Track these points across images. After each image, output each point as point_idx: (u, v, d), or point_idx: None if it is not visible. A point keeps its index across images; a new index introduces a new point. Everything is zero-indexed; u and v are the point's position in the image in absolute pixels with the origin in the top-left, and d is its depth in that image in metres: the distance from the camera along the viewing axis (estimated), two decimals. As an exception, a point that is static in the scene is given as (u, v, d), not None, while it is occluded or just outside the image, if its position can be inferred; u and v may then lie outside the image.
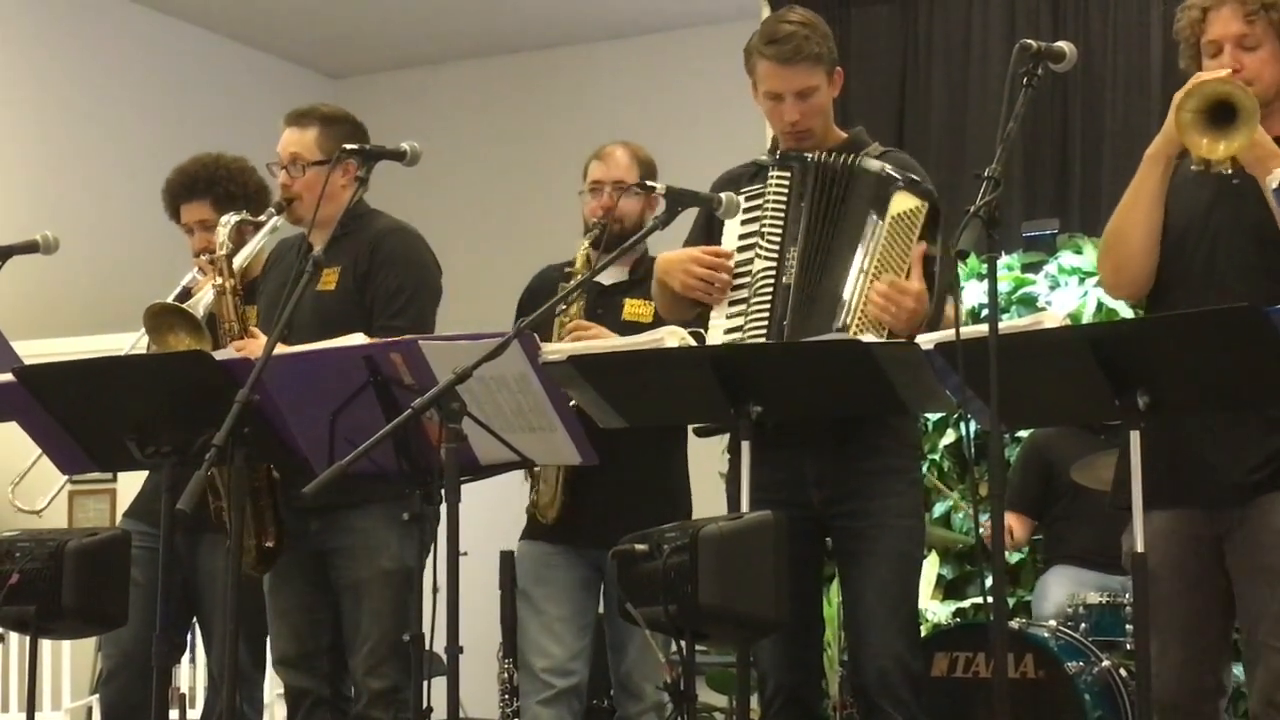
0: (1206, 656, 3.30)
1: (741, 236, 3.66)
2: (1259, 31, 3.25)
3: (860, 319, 3.49)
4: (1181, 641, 3.29)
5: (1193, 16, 3.32)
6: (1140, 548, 3.01)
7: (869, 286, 3.49)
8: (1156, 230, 3.31)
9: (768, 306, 3.58)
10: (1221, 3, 3.27)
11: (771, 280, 3.59)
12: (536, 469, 4.05)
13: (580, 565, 4.07)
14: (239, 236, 4.03)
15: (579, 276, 4.10)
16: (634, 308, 4.14)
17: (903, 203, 3.54)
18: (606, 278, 4.18)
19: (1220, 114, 3.15)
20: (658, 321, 4.01)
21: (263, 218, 4.03)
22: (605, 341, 3.80)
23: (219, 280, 3.93)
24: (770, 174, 3.66)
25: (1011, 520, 5.57)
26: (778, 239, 3.61)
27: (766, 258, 3.61)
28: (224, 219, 4.00)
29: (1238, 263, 3.26)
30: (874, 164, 3.60)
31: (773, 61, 3.62)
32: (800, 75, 3.62)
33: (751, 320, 3.58)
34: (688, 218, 3.77)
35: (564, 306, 4.00)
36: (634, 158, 4.25)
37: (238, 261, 3.98)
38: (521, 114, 8.85)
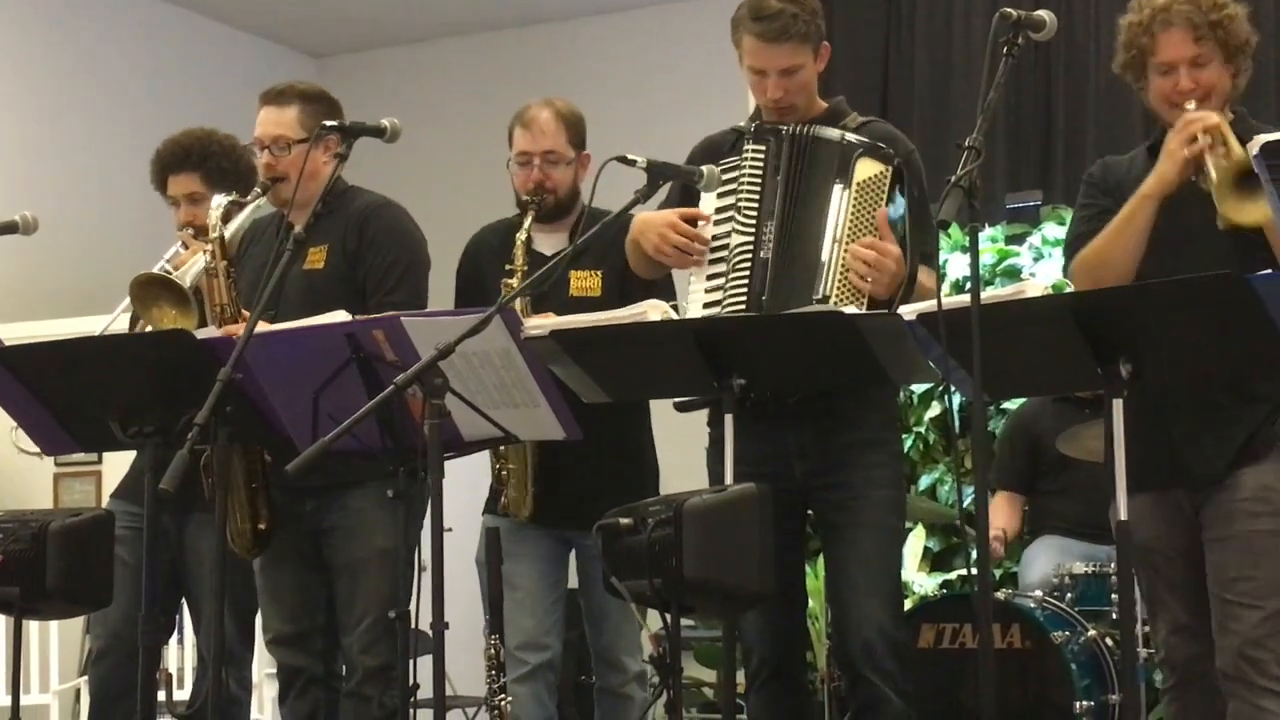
0: (1209, 617, 3.35)
1: (718, 210, 3.66)
2: (1208, 49, 3.34)
3: (840, 287, 3.49)
4: (1184, 604, 3.39)
5: (1141, 42, 3.38)
6: (1123, 515, 3.03)
7: (844, 254, 3.50)
8: (1138, 262, 3.35)
9: (745, 281, 3.57)
10: (1168, 25, 3.34)
11: (749, 255, 3.59)
12: (504, 472, 4.02)
13: (548, 539, 4.04)
14: (230, 218, 4.02)
15: (534, 262, 4.02)
16: (580, 281, 4.03)
17: (866, 169, 3.55)
18: (547, 248, 4.04)
19: (1246, 180, 3.20)
20: (606, 294, 3.96)
21: (249, 198, 4.02)
22: (589, 316, 3.79)
23: (210, 262, 3.92)
24: (745, 147, 3.65)
25: (1000, 505, 5.58)
26: (754, 213, 3.61)
27: (743, 232, 3.61)
28: (215, 200, 3.99)
29: (1208, 259, 3.29)
30: (833, 133, 3.60)
31: (757, 39, 3.62)
32: (784, 54, 3.61)
33: (730, 294, 3.58)
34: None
35: (507, 265, 3.94)
36: (560, 120, 4.07)
37: (226, 235, 3.97)
38: (505, 91, 8.74)
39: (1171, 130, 3.32)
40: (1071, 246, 3.49)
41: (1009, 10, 3.13)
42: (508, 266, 4.00)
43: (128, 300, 4.07)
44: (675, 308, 3.63)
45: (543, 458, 3.89)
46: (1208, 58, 3.34)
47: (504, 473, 4.01)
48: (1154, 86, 3.41)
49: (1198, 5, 3.33)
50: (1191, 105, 3.32)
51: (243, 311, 3.87)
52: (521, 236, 3.99)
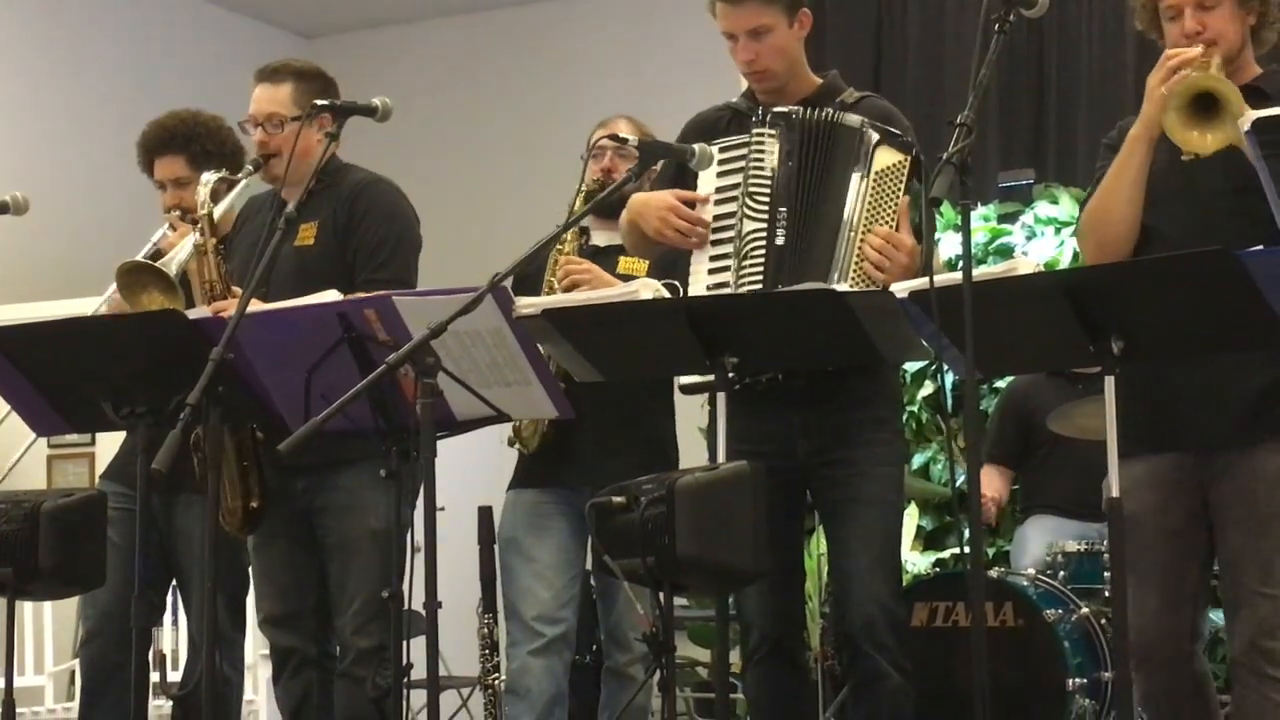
0: (1182, 603, 3.32)
1: (720, 190, 3.64)
2: None
3: (855, 276, 3.48)
4: (1158, 587, 3.33)
5: None
6: (1115, 493, 3.02)
7: (860, 243, 3.49)
8: (1139, 211, 3.32)
9: (761, 268, 3.56)
10: None
11: (763, 241, 3.57)
12: None
13: (571, 515, 4.07)
14: (219, 195, 4.01)
15: (588, 254, 4.13)
16: (628, 264, 4.13)
17: (886, 158, 3.53)
18: (601, 239, 4.20)
19: (1203, 103, 3.16)
20: (651, 275, 4.00)
21: (240, 175, 4.02)
22: (579, 294, 3.79)
23: (199, 239, 3.91)
24: (753, 131, 3.63)
25: (989, 476, 5.58)
26: (766, 199, 3.58)
27: (754, 217, 3.58)
28: (204, 177, 3.99)
29: (1218, 208, 3.28)
30: (854, 119, 3.58)
31: (722, 0, 3.61)
32: (750, 14, 3.60)
33: (744, 278, 3.56)
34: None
35: (558, 245, 3.98)
36: (636, 129, 4.24)
37: (215, 214, 3.97)
38: (497, 72, 8.81)
39: (1154, 69, 3.26)
40: (1083, 208, 3.48)
41: (1001, -14, 3.12)
42: (557, 248, 4.07)
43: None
44: (671, 285, 3.62)
45: None
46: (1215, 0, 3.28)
47: None
48: (1167, 37, 3.32)
49: None
50: (1197, 49, 3.23)
51: (231, 289, 3.86)
52: (581, 196, 4.08)
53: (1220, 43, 3.26)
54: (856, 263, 3.48)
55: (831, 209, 3.54)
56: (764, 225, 3.57)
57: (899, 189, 3.52)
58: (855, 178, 3.53)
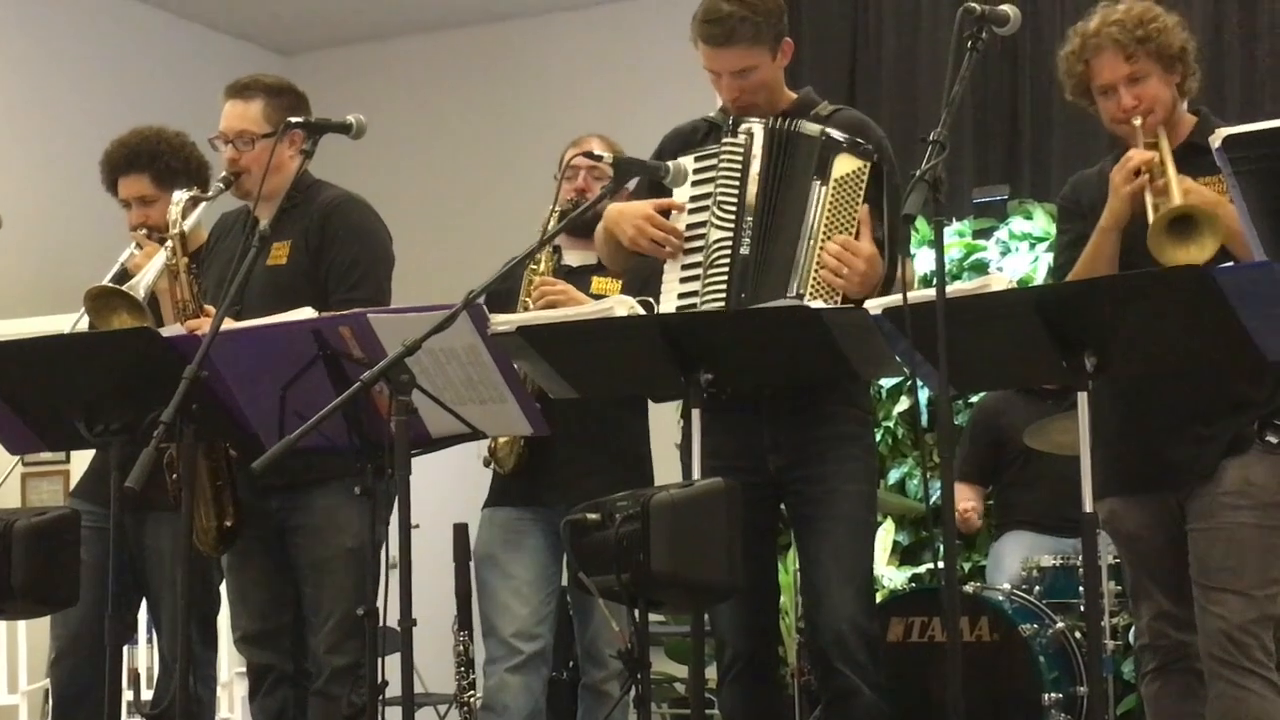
0: (1192, 606, 3.42)
1: (693, 199, 3.65)
2: (1142, 64, 3.42)
3: (814, 285, 3.49)
4: (1168, 593, 3.48)
5: (1076, 69, 3.49)
6: (1088, 507, 3.04)
7: (819, 252, 3.50)
8: None
9: (725, 277, 3.57)
10: (1100, 50, 3.44)
11: (728, 250, 3.58)
12: None
13: (548, 532, 4.06)
14: (189, 214, 4.00)
15: (562, 275, 4.12)
16: (601, 284, 4.13)
17: (845, 165, 3.55)
18: (574, 260, 4.20)
19: (1182, 222, 3.24)
20: (625, 293, 4.00)
21: (210, 193, 4.00)
22: (554, 312, 3.79)
23: (173, 260, 3.90)
24: (724, 141, 3.65)
25: (963, 491, 5.59)
26: (733, 208, 3.60)
27: (722, 227, 3.60)
28: (175, 196, 3.96)
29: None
30: (813, 128, 3.60)
31: (706, 43, 3.62)
32: (734, 57, 3.61)
33: (709, 288, 3.57)
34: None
35: (532, 264, 3.97)
36: (609, 148, 4.23)
37: (185, 230, 3.95)
38: (473, 89, 8.82)
39: (1115, 166, 3.41)
40: (1056, 275, 3.59)
41: (973, 4, 3.13)
42: (531, 266, 4.06)
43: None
44: (646, 303, 3.62)
45: None
46: (1144, 71, 3.42)
47: None
48: (1101, 109, 3.49)
49: (1124, 24, 3.41)
50: (1138, 121, 3.40)
51: (204, 307, 3.85)
52: (555, 216, 4.05)
53: (1157, 109, 3.42)
54: (815, 270, 3.50)
55: (792, 217, 3.55)
56: (730, 235, 3.58)
57: (859, 196, 3.54)
58: (815, 185, 3.55)
